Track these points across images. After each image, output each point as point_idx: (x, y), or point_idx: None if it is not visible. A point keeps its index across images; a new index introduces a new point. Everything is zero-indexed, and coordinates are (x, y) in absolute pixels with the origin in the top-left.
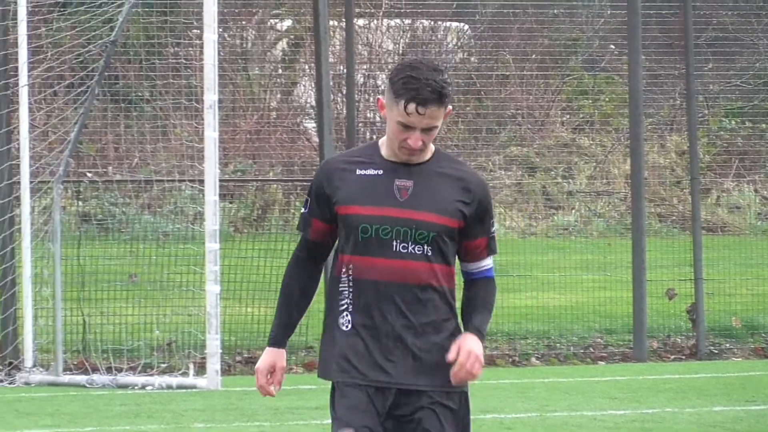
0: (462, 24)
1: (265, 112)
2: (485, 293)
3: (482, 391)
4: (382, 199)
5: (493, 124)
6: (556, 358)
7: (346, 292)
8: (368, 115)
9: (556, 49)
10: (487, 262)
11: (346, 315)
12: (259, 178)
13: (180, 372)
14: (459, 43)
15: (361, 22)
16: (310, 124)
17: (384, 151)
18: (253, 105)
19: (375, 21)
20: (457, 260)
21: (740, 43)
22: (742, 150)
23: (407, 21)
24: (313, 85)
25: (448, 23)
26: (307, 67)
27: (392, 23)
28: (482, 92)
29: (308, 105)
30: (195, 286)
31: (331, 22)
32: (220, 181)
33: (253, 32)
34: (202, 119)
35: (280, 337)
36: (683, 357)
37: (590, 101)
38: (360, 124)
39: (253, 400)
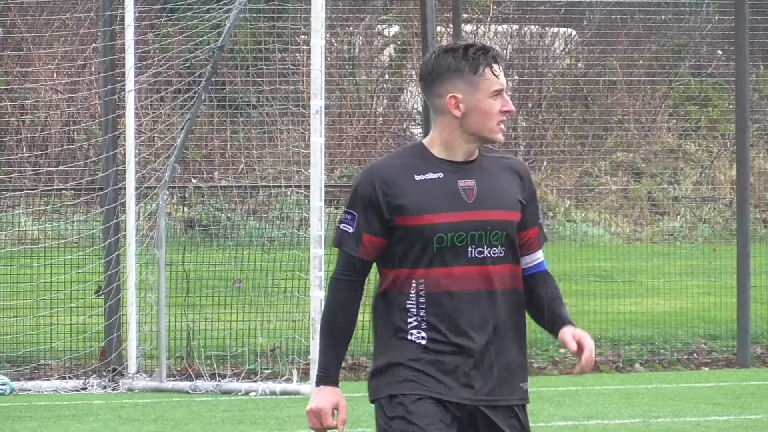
0: (569, 30)
1: (372, 117)
2: (554, 290)
3: (586, 397)
4: (452, 203)
5: (599, 130)
6: (660, 364)
7: (415, 309)
8: None
9: (664, 54)
10: (541, 254)
11: (419, 332)
12: None
13: (284, 378)
14: (566, 49)
15: (468, 27)
16: (417, 130)
17: (436, 152)
18: (360, 110)
19: (482, 27)
20: None
21: None
22: None
23: (515, 27)
24: (419, 91)
25: (555, 29)
26: (414, 72)
27: (500, 29)
28: (589, 98)
29: (415, 111)
30: (299, 292)
31: (438, 28)
32: (326, 186)
33: (361, 38)
34: (309, 125)
35: (334, 373)
36: None
37: (697, 107)
38: None
39: (357, 406)
